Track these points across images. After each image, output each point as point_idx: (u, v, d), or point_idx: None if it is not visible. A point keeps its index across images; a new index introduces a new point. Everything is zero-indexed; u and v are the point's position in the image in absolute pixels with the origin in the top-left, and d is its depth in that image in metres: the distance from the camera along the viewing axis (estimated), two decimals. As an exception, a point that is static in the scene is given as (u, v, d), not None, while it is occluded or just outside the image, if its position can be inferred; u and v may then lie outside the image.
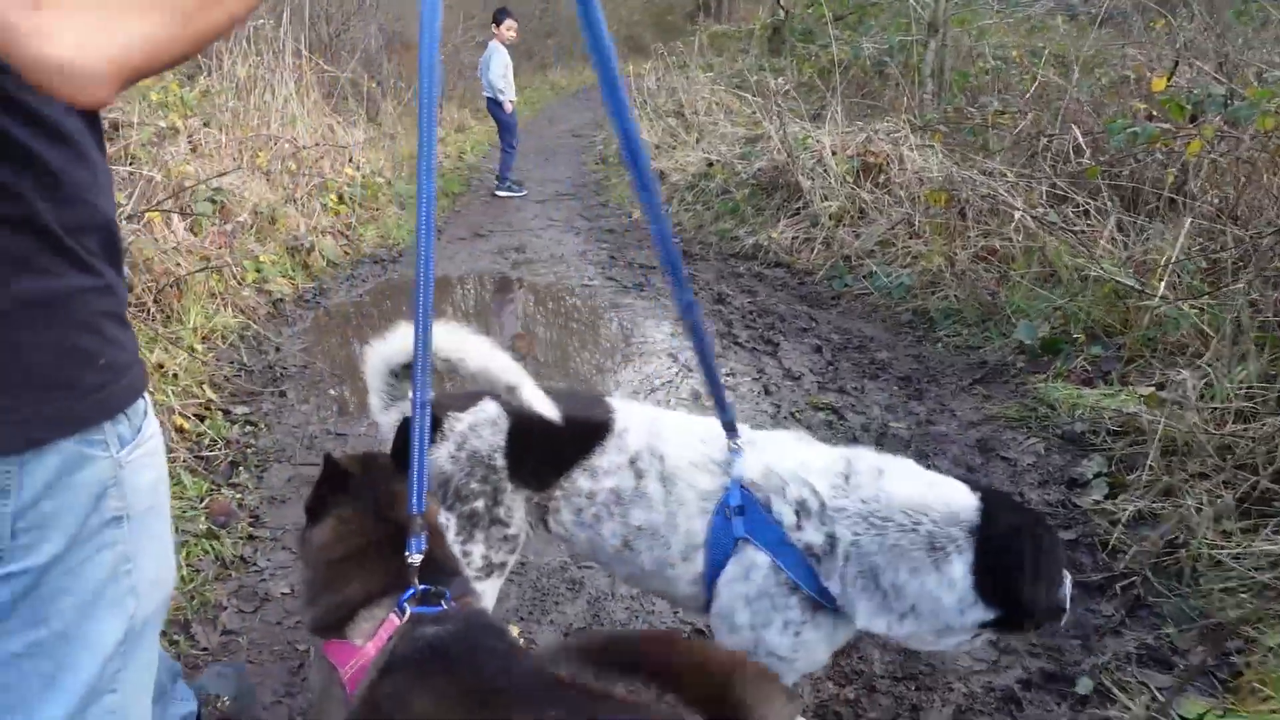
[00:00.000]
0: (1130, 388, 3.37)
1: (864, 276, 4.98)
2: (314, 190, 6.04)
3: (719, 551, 1.51)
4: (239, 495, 2.90)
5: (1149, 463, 2.80)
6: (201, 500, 2.80)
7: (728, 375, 4.00)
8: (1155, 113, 4.49)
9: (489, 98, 8.12)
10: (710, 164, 6.99)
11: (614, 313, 4.86)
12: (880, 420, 3.48)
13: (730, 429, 1.57)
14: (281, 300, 4.79)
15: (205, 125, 5.70)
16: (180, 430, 3.20)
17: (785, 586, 1.48)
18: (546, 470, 1.67)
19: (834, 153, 5.91)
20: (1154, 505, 2.67)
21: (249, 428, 3.40)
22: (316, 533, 1.37)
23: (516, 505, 1.68)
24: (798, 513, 1.49)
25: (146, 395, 0.98)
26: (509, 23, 8.09)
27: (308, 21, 7.74)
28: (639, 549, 1.59)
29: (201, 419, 3.36)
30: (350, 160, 6.81)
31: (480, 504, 1.65)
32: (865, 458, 1.56)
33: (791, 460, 1.55)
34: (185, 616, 2.33)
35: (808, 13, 14.45)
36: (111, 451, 0.91)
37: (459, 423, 1.69)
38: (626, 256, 5.98)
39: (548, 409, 1.50)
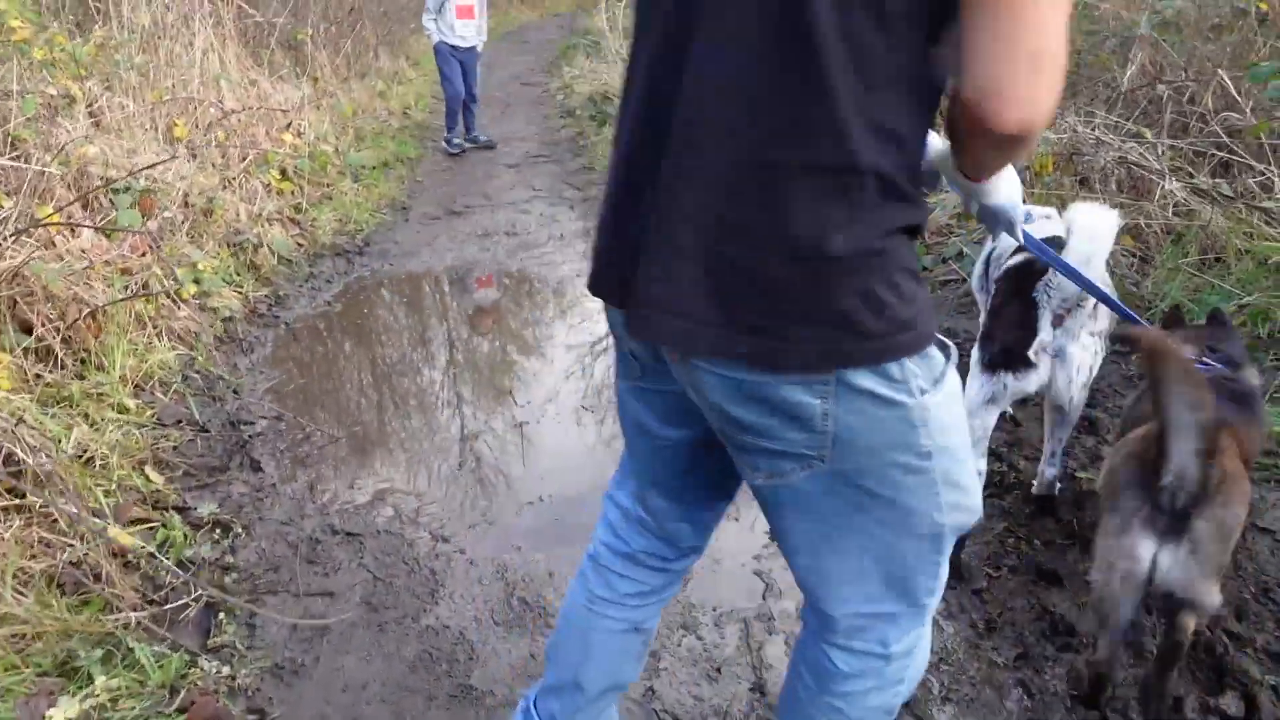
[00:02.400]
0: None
1: (948, 259, 4.15)
2: (251, 167, 4.88)
3: None
4: (228, 673, 1.93)
5: None
6: (170, 694, 1.82)
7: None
8: (1303, 53, 3.72)
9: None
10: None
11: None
12: (1058, 472, 2.68)
13: None
14: (231, 319, 3.72)
15: (106, 88, 4.49)
16: (121, 556, 2.19)
17: None
18: None
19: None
20: None
21: (219, 534, 2.41)
22: None
23: None
24: None
25: (945, 349, 1.06)
26: None
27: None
28: None
29: (150, 527, 2.36)
30: (289, 126, 5.63)
31: None
32: None
33: None
34: None
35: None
36: (914, 396, 1.00)
37: None
38: (640, 236, 5.01)
39: None
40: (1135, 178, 3.57)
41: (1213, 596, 1.62)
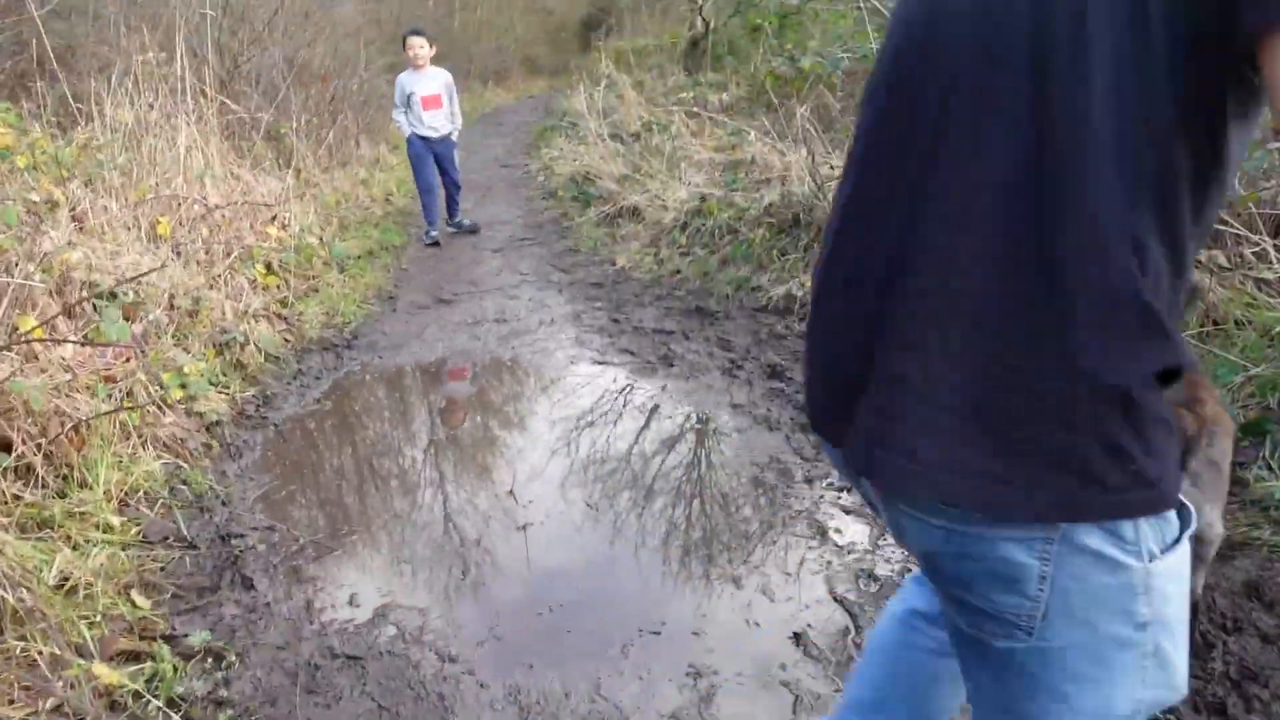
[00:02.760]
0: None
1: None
2: (236, 263, 4.83)
3: None
4: (225, 828, 1.78)
5: None
6: None
7: (836, 490, 3.06)
8: (1281, 124, 3.78)
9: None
10: (703, 199, 6.06)
11: (671, 404, 3.87)
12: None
13: None
14: (218, 422, 3.61)
15: (88, 186, 4.45)
16: (107, 695, 2.05)
17: None
18: None
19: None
20: None
21: (211, 663, 2.27)
22: None
23: None
24: None
25: (1184, 513, 0.95)
26: (415, 40, 6.76)
27: (210, 50, 6.47)
28: None
29: (137, 659, 2.22)
30: (274, 219, 5.60)
31: None
32: None
33: None
34: None
35: (731, 25, 13.82)
36: (1141, 560, 0.90)
37: None
38: (631, 318, 4.98)
39: None
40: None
41: (1218, 526, 1.89)
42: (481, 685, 2.20)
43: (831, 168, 5.44)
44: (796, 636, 2.32)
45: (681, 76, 13.27)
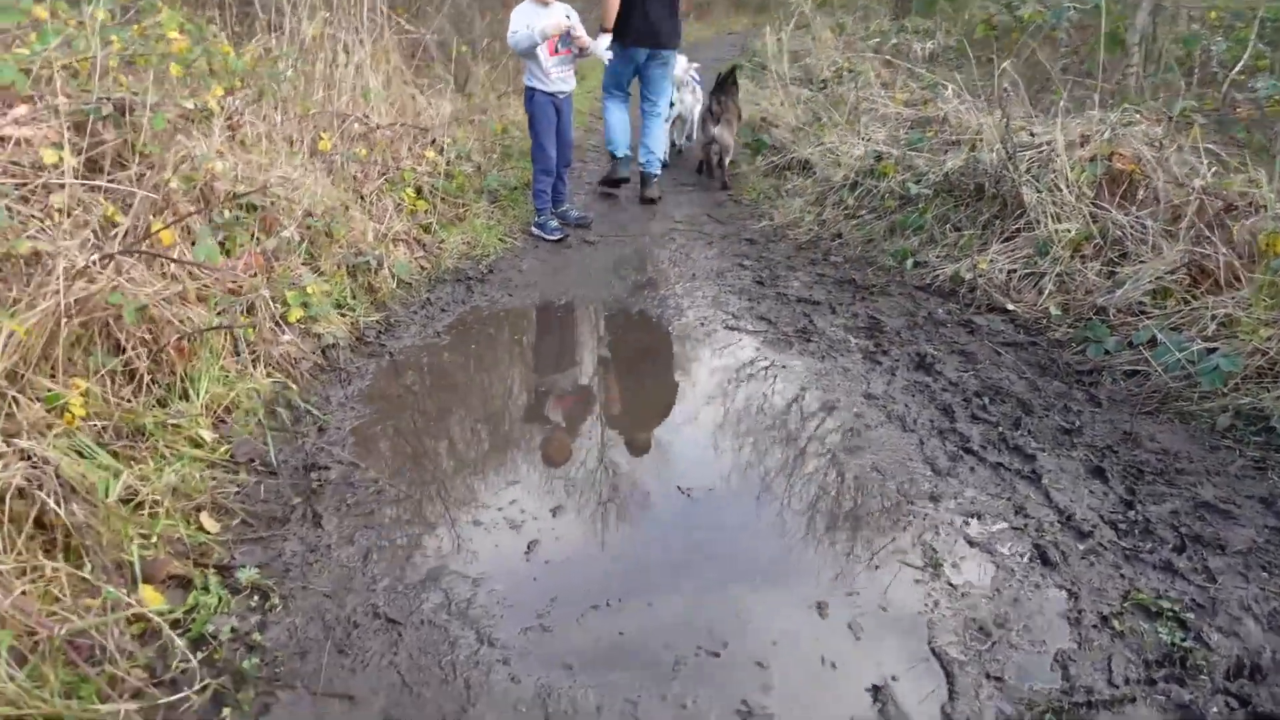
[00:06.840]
0: None
1: (1136, 345, 3.51)
2: (385, 185, 4.82)
3: None
4: (210, 793, 1.69)
5: None
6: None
7: (966, 515, 2.65)
8: None
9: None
10: (879, 158, 5.51)
11: (796, 386, 3.52)
12: (1270, 655, 2.08)
13: None
14: (334, 345, 3.59)
15: (259, 99, 4.52)
16: (140, 622, 2.01)
17: None
18: None
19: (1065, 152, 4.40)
20: None
21: (257, 602, 2.20)
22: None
23: None
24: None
25: None
26: None
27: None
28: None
29: (186, 585, 2.18)
30: (433, 142, 5.57)
31: None
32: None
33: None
34: None
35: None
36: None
37: None
38: (777, 283, 4.60)
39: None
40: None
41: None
42: (513, 679, 2.01)
43: (1031, 135, 4.76)
44: (876, 690, 1.99)
45: (886, 21, 12.32)
